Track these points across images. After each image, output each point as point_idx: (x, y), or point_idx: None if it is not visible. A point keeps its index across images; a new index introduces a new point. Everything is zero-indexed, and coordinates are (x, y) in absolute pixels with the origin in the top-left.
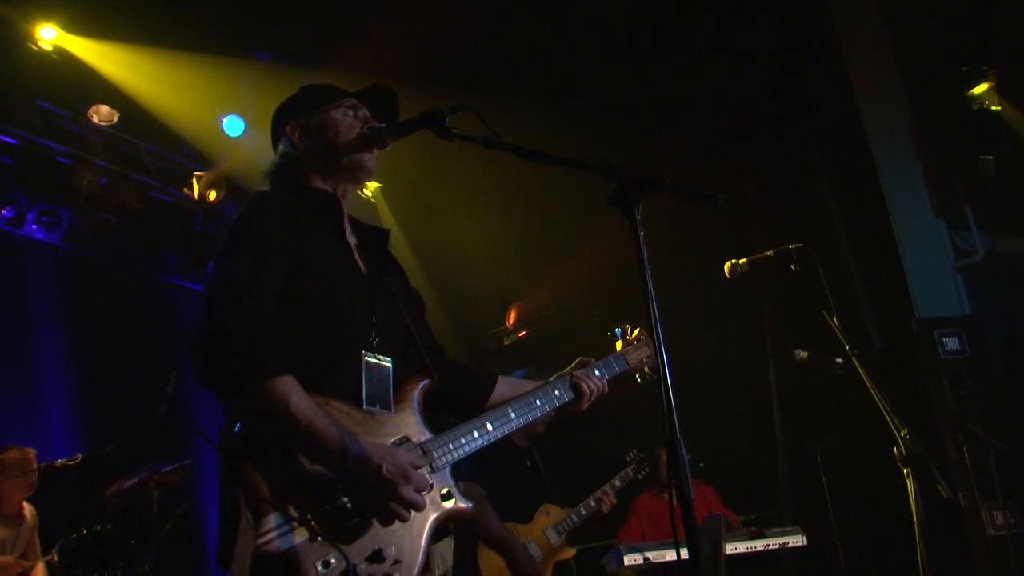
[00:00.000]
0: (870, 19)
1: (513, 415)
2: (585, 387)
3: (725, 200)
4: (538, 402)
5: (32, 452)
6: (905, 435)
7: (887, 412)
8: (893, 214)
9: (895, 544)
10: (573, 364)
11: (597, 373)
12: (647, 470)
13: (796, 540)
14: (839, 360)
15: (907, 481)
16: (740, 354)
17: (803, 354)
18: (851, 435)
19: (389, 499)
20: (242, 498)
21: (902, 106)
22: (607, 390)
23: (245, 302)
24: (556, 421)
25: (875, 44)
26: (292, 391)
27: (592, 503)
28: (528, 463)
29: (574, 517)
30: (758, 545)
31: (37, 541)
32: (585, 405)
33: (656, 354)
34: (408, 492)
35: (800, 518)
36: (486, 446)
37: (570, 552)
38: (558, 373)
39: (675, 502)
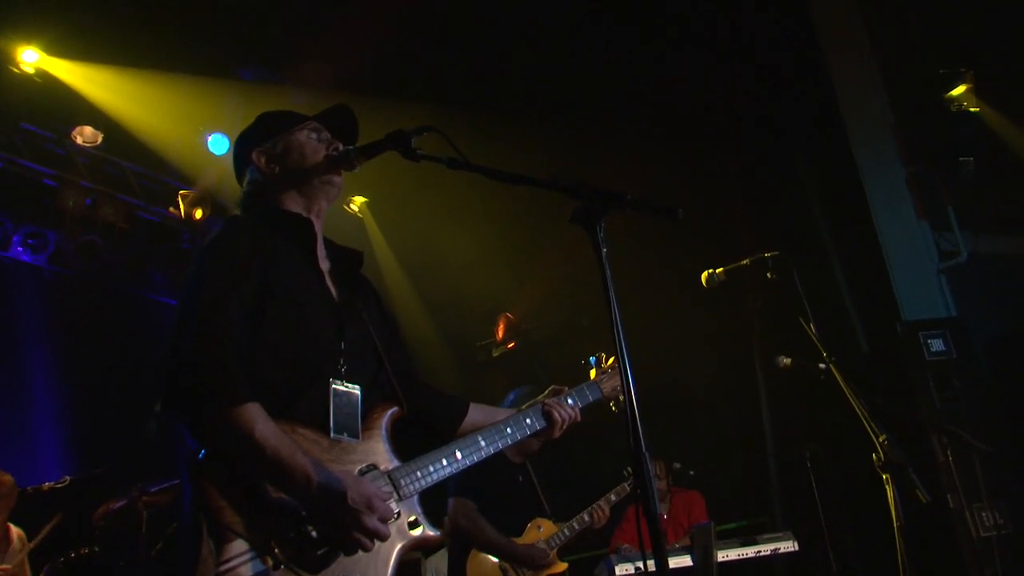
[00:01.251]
0: (851, 23)
1: (483, 443)
2: (557, 415)
3: (684, 216)
4: (509, 430)
5: (8, 477)
6: (884, 441)
7: (865, 418)
8: (876, 217)
9: (886, 548)
10: (546, 392)
11: (570, 401)
12: None
13: (787, 546)
14: (822, 366)
15: (887, 487)
16: (729, 362)
17: (786, 360)
18: (840, 439)
19: (353, 528)
20: (204, 524)
21: (884, 109)
22: (579, 418)
23: (213, 328)
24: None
25: (856, 48)
26: (258, 418)
27: (585, 517)
28: (520, 479)
29: (566, 531)
30: (749, 551)
31: (27, 566)
32: (557, 434)
33: (620, 365)
34: (372, 522)
35: (791, 523)
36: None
37: (561, 567)
38: (530, 402)
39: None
